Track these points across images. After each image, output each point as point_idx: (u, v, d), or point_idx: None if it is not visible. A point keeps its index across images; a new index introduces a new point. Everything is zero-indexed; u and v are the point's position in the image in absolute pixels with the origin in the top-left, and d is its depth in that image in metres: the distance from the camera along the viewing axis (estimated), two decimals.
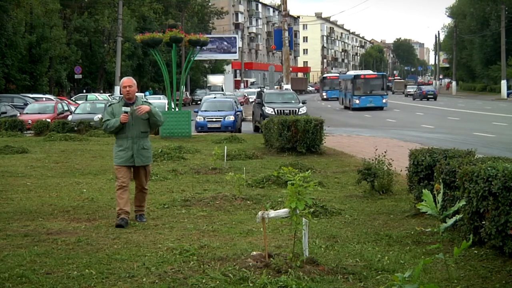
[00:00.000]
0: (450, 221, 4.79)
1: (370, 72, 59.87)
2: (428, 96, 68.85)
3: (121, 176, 8.58)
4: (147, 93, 58.63)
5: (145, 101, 8.80)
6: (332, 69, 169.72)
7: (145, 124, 8.70)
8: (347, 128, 30.43)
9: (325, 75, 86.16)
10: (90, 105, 31.51)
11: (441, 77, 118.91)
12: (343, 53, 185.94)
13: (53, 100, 38.00)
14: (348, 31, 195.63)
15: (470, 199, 6.71)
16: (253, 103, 33.98)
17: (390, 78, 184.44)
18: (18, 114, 31.30)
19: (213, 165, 14.29)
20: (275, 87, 51.30)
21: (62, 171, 14.61)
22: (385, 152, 11.42)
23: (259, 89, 39.26)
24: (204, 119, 28.09)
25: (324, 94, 76.62)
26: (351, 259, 6.68)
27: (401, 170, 11.77)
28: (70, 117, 29.46)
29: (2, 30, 45.51)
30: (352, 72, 65.12)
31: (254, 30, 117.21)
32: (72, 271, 6.32)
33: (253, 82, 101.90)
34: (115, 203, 8.97)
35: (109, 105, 8.87)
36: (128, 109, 8.50)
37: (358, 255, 6.84)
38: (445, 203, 7.40)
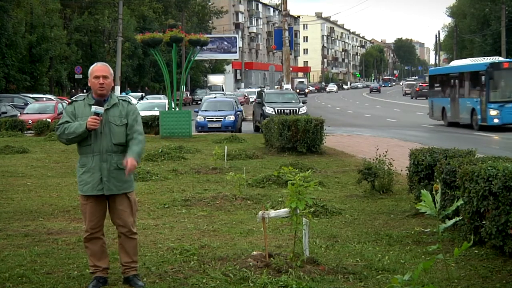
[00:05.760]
0: (449, 222, 4.81)
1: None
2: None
3: (89, 218, 5.77)
4: (123, 94, 58.41)
5: (123, 100, 5.92)
6: (332, 68, 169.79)
7: (120, 133, 5.77)
8: (347, 127, 30.42)
9: (499, 59, 29.80)
10: None
11: None
12: (343, 53, 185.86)
13: (53, 100, 38.02)
14: (349, 31, 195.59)
15: (470, 199, 6.72)
16: (254, 103, 34.00)
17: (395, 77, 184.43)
18: (19, 114, 31.34)
19: (213, 165, 14.30)
20: (276, 87, 51.33)
21: (63, 171, 14.62)
22: (385, 151, 11.42)
23: (259, 89, 39.29)
24: (204, 119, 28.10)
25: (493, 112, 26.45)
26: (352, 259, 6.69)
27: (401, 170, 11.77)
28: None
29: (2, 30, 45.53)
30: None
31: (254, 30, 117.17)
32: (72, 271, 6.33)
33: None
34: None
35: (70, 103, 6.00)
36: (101, 109, 5.69)
37: (359, 255, 6.84)
38: (445, 203, 7.41)
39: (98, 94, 5.80)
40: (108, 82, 5.80)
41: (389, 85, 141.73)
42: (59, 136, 5.83)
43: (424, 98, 73.67)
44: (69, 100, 43.17)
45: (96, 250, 5.83)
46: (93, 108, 5.69)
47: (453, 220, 4.93)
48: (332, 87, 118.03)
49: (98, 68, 5.88)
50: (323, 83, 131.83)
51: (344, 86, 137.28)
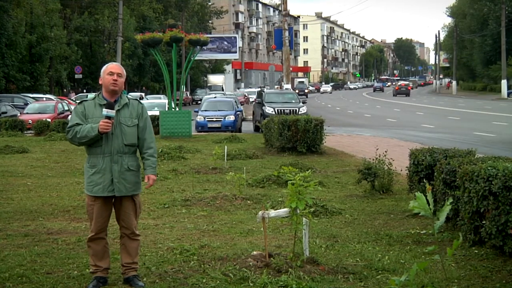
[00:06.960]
0: (442, 218, 4.82)
1: None
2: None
3: (95, 219, 5.74)
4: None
5: (133, 99, 5.89)
6: (332, 68, 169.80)
7: (131, 134, 5.75)
8: (347, 127, 30.40)
9: None
10: None
11: (441, 76, 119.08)
12: (343, 53, 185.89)
13: (53, 100, 38.03)
14: (348, 30, 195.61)
15: (470, 199, 6.72)
16: (254, 103, 34.00)
17: (395, 76, 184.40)
18: (19, 114, 31.33)
19: (213, 164, 14.30)
20: (276, 86, 51.33)
21: (63, 171, 14.62)
22: (385, 151, 11.42)
23: (259, 89, 39.29)
24: (204, 118, 28.09)
25: None
26: (352, 258, 6.69)
27: (401, 170, 11.77)
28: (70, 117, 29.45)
29: (2, 30, 45.53)
30: None
31: (254, 30, 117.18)
32: (72, 271, 6.33)
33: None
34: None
35: (80, 103, 5.87)
36: (112, 112, 5.60)
37: (359, 254, 6.84)
38: (444, 203, 7.40)
39: (110, 91, 5.70)
40: (121, 81, 5.72)
41: (386, 85, 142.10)
42: (71, 139, 5.73)
43: (404, 95, 79.57)
44: (69, 100, 43.01)
45: (99, 250, 5.82)
46: (105, 111, 5.59)
47: (442, 221, 4.96)
48: (326, 87, 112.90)
49: (113, 66, 5.81)
50: (323, 83, 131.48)
51: (350, 86, 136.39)
